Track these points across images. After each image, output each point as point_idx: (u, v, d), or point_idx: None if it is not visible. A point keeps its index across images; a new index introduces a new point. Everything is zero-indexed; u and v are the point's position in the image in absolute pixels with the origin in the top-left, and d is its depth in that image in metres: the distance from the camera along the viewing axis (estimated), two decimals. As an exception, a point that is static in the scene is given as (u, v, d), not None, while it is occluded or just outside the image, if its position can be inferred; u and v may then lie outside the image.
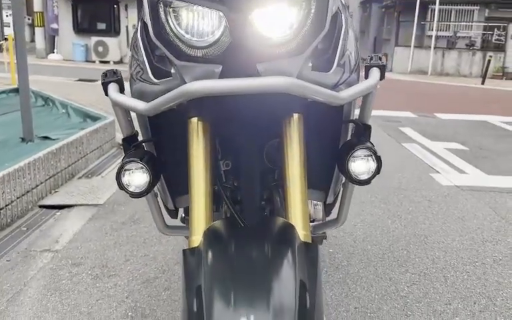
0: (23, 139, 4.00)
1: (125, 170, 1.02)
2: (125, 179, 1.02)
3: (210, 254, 0.85)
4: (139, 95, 1.01)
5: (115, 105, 1.02)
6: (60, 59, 15.93)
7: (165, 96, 0.92)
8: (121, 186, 1.02)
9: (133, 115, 1.10)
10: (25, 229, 3.05)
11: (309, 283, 0.92)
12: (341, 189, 1.27)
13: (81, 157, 4.22)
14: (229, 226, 0.96)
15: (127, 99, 1.00)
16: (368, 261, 2.50)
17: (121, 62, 15.37)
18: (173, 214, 1.30)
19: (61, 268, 2.54)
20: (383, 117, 7.12)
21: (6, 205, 3.01)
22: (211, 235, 0.91)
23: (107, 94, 1.03)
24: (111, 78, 1.04)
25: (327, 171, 1.21)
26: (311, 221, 1.47)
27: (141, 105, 0.98)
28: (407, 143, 5.25)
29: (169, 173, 1.19)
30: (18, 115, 4.08)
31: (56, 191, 3.72)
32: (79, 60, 15.71)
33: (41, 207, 3.45)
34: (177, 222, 1.46)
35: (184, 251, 0.96)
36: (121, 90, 1.05)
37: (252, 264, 0.82)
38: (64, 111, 5.62)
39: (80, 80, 10.60)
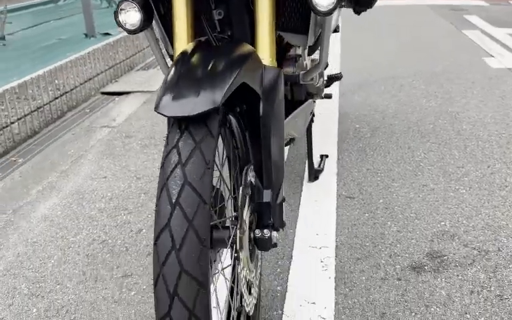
0: (86, 35, 4.36)
1: (121, 9, 1.21)
2: (121, 17, 1.21)
3: (178, 63, 1.01)
4: None
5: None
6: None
7: None
8: (119, 23, 1.22)
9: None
10: (88, 110, 3.47)
11: (266, 99, 1.08)
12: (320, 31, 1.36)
13: (138, 51, 4.53)
14: (201, 45, 1.10)
15: None
16: (391, 133, 2.59)
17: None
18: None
19: (116, 139, 2.92)
20: (449, 5, 6.64)
21: (71, 89, 3.43)
22: (184, 52, 1.07)
23: None
24: None
25: (304, 13, 1.30)
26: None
27: None
28: (467, 30, 4.93)
29: (167, 19, 1.36)
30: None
31: (116, 81, 4.10)
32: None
33: (102, 93, 3.87)
34: None
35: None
36: None
37: (203, 63, 0.97)
38: (125, 11, 5.91)
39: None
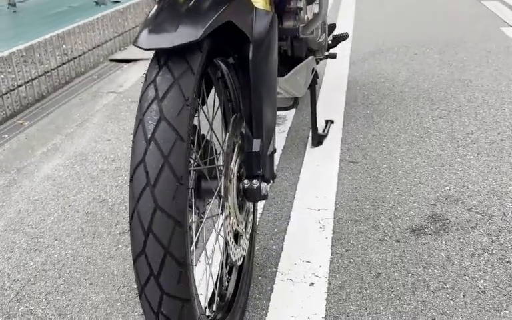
0: (96, 3, 4.33)
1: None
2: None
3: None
4: None
5: None
6: None
7: None
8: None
9: None
10: (96, 77, 3.46)
11: (257, 44, 1.04)
12: None
13: (148, 19, 4.49)
14: None
15: None
16: (400, 100, 2.52)
17: None
18: None
19: (121, 104, 2.91)
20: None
21: (79, 55, 3.41)
22: None
23: None
24: None
25: None
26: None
27: None
28: (486, 1, 4.75)
29: None
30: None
31: (125, 48, 4.08)
32: None
33: (111, 60, 3.85)
34: None
35: None
36: None
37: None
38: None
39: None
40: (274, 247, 1.51)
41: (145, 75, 0.85)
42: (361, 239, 1.51)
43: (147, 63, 3.90)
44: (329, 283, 1.34)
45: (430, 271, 1.36)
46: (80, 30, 3.41)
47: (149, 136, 0.78)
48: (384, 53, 3.32)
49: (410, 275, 1.35)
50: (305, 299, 1.30)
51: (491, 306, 1.21)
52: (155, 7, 0.90)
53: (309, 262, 1.43)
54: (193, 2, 0.88)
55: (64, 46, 3.24)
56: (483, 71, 2.83)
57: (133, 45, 0.83)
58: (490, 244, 1.43)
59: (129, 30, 4.14)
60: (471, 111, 2.33)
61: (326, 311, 1.25)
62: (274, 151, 1.12)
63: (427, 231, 1.52)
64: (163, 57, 0.83)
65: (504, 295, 1.25)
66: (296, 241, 1.53)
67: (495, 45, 3.30)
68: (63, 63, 3.23)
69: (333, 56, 2.17)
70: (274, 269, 1.42)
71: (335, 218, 1.62)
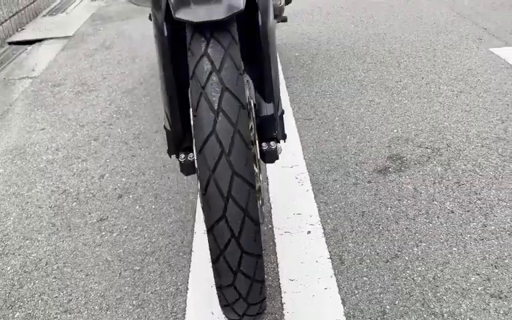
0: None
1: None
2: None
3: None
4: None
5: None
6: None
7: None
8: None
9: None
10: None
11: (263, 10, 1.07)
12: None
13: (42, -6, 4.09)
14: None
15: None
16: (330, 58, 2.70)
17: None
18: None
19: (42, 89, 2.68)
20: None
21: (-25, 40, 3.02)
22: None
23: None
24: None
25: None
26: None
27: None
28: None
29: None
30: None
31: (23, 29, 3.69)
32: None
33: (10, 43, 3.47)
34: None
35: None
36: None
37: None
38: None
39: None
40: (262, 207, 1.59)
41: (188, 47, 0.85)
42: (338, 185, 1.65)
43: (53, 42, 3.60)
44: (324, 229, 1.46)
45: (404, 202, 1.55)
46: (-28, 11, 3.01)
47: (215, 107, 0.79)
48: (300, 15, 3.47)
49: (389, 208, 1.52)
50: (307, 246, 1.40)
51: (461, 222, 1.44)
52: None
53: (299, 214, 1.53)
54: None
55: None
56: (392, 24, 3.12)
57: (176, 18, 0.82)
58: (445, 172, 1.67)
59: (23, 8, 3.75)
60: (393, 61, 2.59)
61: (329, 251, 1.37)
62: (283, 112, 1.18)
63: (390, 169, 1.71)
64: (207, 30, 0.84)
65: (468, 211, 1.48)
66: (281, 198, 1.62)
67: None
68: (-41, 50, 2.85)
69: (285, 19, 2.24)
70: (270, 226, 1.49)
71: (309, 172, 1.74)
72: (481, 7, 3.28)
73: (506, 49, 2.55)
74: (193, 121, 0.81)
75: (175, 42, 1.07)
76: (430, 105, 2.11)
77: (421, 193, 1.58)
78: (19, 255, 1.48)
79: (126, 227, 1.57)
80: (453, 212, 1.48)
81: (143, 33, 3.45)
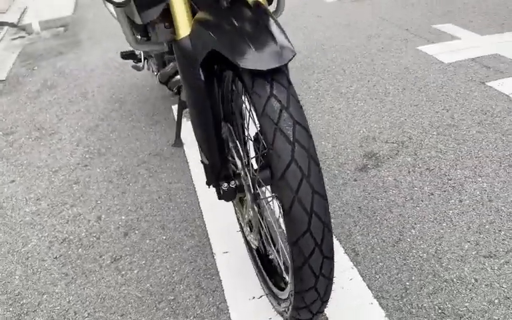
0: None
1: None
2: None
3: (204, 26, 1.07)
4: None
5: None
6: None
7: None
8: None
9: None
10: None
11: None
12: None
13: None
14: (213, 10, 1.16)
15: None
16: (281, 72, 2.89)
17: None
18: (141, 29, 1.45)
19: (-5, 140, 2.55)
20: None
21: None
22: (199, 18, 1.12)
23: None
24: None
25: None
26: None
27: None
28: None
29: None
30: None
31: None
32: None
33: None
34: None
35: (175, 41, 1.18)
36: None
37: (241, 22, 1.05)
38: None
39: None
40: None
41: (249, 91, 0.96)
42: (328, 187, 1.83)
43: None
44: (330, 228, 1.63)
45: (390, 192, 1.77)
46: None
47: (291, 139, 0.91)
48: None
49: (379, 200, 1.73)
50: (321, 246, 1.56)
51: (442, 201, 1.69)
52: (223, 27, 1.00)
53: (305, 219, 1.68)
54: (260, 23, 1.01)
55: None
56: (325, 34, 3.41)
57: (242, 67, 0.93)
58: (415, 161, 1.92)
59: None
60: (338, 68, 2.85)
61: (342, 247, 1.54)
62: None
63: (369, 166, 1.93)
64: (269, 74, 0.95)
65: (444, 191, 1.74)
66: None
67: (319, 9, 3.95)
68: None
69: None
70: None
71: (300, 179, 1.90)
72: (394, 9, 3.70)
73: (431, 46, 2.93)
74: (270, 152, 0.93)
75: (210, 86, 1.18)
76: (383, 104, 2.39)
77: (401, 182, 1.81)
78: (41, 310, 1.46)
79: (144, 262, 1.60)
80: (432, 194, 1.73)
81: (83, 68, 3.38)
